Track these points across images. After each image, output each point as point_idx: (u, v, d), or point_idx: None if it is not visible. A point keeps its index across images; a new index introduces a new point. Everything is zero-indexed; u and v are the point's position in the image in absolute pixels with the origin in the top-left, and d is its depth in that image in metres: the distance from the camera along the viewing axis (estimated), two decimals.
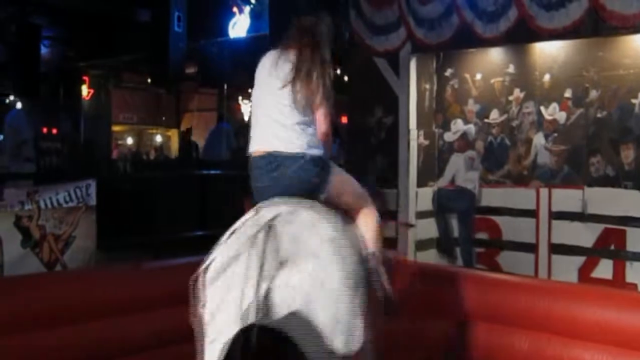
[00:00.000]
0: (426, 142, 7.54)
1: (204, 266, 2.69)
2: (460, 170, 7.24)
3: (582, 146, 6.67)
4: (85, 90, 14.08)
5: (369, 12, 7.11)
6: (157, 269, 4.42)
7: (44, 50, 11.45)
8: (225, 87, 13.89)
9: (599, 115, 6.55)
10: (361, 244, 2.81)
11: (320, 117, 2.86)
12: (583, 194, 6.44)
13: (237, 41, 11.27)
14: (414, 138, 7.28)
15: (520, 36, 6.24)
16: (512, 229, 6.94)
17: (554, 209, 6.65)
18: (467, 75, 7.49)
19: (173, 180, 8.90)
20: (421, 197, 7.29)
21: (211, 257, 2.70)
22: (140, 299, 3.93)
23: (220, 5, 11.20)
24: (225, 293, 2.58)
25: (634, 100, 6.31)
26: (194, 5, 9.56)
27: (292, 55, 2.89)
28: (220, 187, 8.69)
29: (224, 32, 11.41)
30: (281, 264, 2.55)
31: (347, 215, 2.90)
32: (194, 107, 17.98)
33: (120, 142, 18.50)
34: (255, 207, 2.79)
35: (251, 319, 2.47)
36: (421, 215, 7.27)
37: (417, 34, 6.79)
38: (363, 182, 3.03)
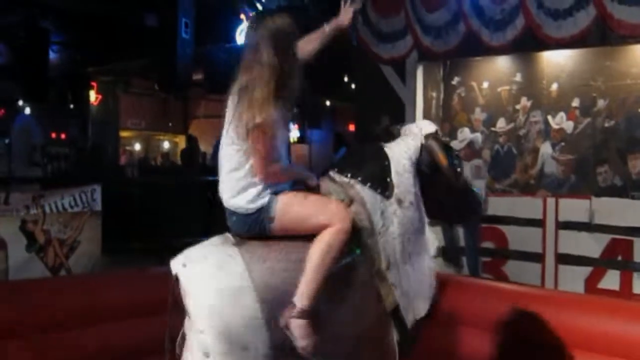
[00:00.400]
0: None
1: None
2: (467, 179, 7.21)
3: (589, 156, 6.64)
4: (93, 96, 14.12)
5: (376, 20, 7.12)
6: (162, 275, 4.41)
7: (52, 55, 11.51)
8: None
9: (606, 124, 6.52)
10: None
11: (255, 160, 2.65)
12: (590, 203, 6.39)
13: (244, 47, 11.29)
14: None
15: (528, 45, 6.23)
16: (518, 238, 6.89)
17: (561, 218, 6.60)
18: (474, 84, 7.47)
19: (179, 186, 8.91)
20: None
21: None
22: (145, 304, 3.92)
23: (227, 12, 11.22)
24: None
25: None
26: (201, 11, 9.60)
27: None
28: None
29: (231, 38, 11.44)
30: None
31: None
32: (201, 114, 18.01)
33: (127, 147, 18.53)
34: None
35: None
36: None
37: (423, 42, 6.79)
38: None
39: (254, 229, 2.70)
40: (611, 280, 6.19)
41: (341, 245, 2.60)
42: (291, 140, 13.99)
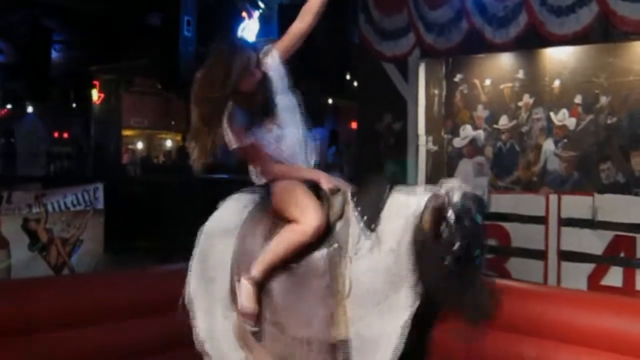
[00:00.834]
0: (435, 148, 7.51)
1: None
2: (469, 176, 7.20)
3: (592, 153, 6.62)
4: (95, 95, 14.13)
5: (378, 17, 7.10)
6: (164, 274, 4.41)
7: (54, 54, 11.52)
8: None
9: (609, 121, 6.50)
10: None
11: (257, 169, 3.08)
12: (593, 200, 6.38)
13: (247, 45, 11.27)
14: (423, 144, 7.26)
15: (530, 42, 6.21)
16: (521, 235, 6.88)
17: (564, 215, 6.59)
18: (477, 81, 7.45)
19: (182, 185, 8.91)
20: None
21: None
22: (147, 303, 3.93)
23: (230, 10, 11.23)
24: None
25: None
26: (204, 10, 9.60)
27: None
28: (228, 191, 8.68)
29: (234, 36, 11.44)
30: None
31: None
32: None
33: (130, 146, 18.55)
34: None
35: None
36: None
37: (426, 39, 6.76)
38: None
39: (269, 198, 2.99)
40: (614, 277, 6.17)
41: (297, 244, 2.75)
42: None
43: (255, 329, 2.84)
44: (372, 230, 2.69)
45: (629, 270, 6.10)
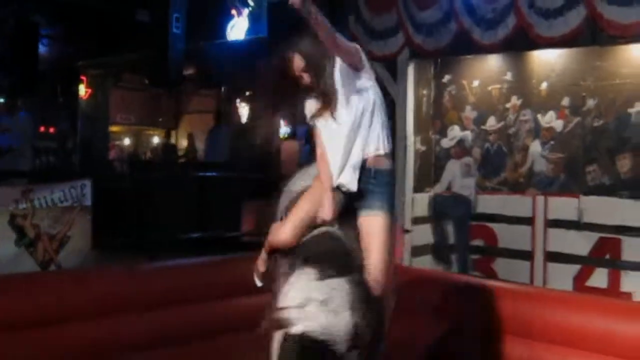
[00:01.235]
0: (423, 148, 7.54)
1: None
2: (457, 177, 7.24)
3: (578, 155, 6.68)
4: (83, 90, 14.04)
5: (368, 17, 7.11)
6: (152, 270, 4.41)
7: (42, 49, 11.43)
8: (224, 89, 13.88)
9: (595, 124, 6.56)
10: None
11: None
12: (579, 202, 6.45)
13: (236, 43, 11.27)
14: (411, 144, 7.28)
15: (519, 44, 6.25)
16: (508, 236, 6.94)
17: (550, 217, 6.66)
18: (465, 82, 7.49)
19: (170, 181, 8.89)
20: (417, 203, 7.29)
21: None
22: (135, 300, 3.92)
23: (219, 8, 11.20)
24: None
25: (630, 110, 6.32)
26: (193, 6, 9.57)
27: None
28: (217, 189, 8.68)
29: (223, 34, 11.42)
30: None
31: None
32: (193, 109, 17.95)
33: (117, 142, 18.45)
34: None
35: None
36: (417, 221, 7.26)
37: (415, 40, 6.79)
38: None
39: None
40: (599, 278, 6.24)
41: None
42: (281, 136, 13.99)
43: None
44: None
45: (614, 272, 6.17)
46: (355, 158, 2.99)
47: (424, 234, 7.33)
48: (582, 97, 6.63)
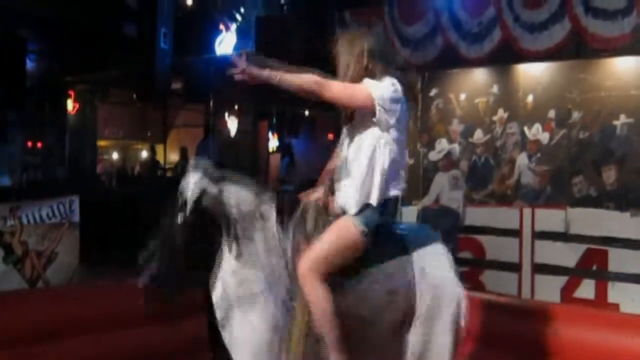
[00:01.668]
0: (411, 161, 7.57)
1: None
2: (445, 190, 7.27)
3: (564, 167, 6.74)
4: (70, 105, 14.00)
5: None
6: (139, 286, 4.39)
7: (29, 64, 11.40)
8: (212, 103, 13.87)
9: (581, 136, 6.62)
10: None
11: None
12: (566, 214, 6.49)
13: (224, 58, 11.29)
14: None
15: (504, 57, 6.32)
16: (495, 248, 6.97)
17: (537, 228, 6.69)
18: (452, 95, 7.55)
19: (158, 195, 8.84)
20: (406, 216, 7.31)
21: None
22: (123, 316, 3.91)
23: (207, 22, 11.22)
24: None
25: (615, 122, 6.40)
26: (181, 22, 9.58)
27: None
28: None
29: (211, 49, 11.43)
30: None
31: None
32: (180, 123, 17.93)
33: (105, 157, 18.39)
34: None
35: None
36: None
37: (402, 54, 6.84)
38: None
39: None
40: (586, 289, 6.27)
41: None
42: (270, 149, 13.99)
43: None
44: None
45: (601, 283, 6.19)
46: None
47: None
48: (567, 109, 6.70)
